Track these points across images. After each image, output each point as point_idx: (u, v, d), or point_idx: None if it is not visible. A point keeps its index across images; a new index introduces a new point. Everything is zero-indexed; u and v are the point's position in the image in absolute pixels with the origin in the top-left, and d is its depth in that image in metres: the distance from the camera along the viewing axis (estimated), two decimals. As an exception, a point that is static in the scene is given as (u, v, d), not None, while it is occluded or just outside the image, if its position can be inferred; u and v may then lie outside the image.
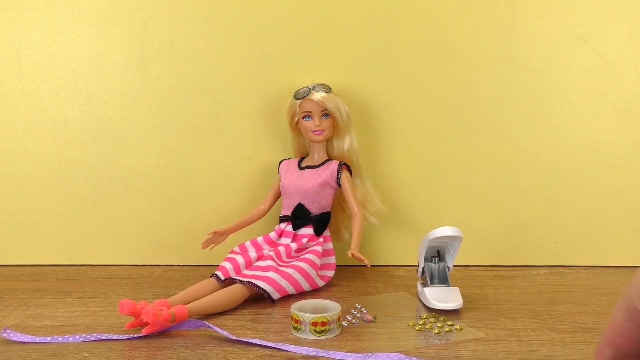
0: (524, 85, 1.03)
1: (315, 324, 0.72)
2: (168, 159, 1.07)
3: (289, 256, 0.94)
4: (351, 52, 1.04)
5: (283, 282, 0.87)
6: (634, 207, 1.04)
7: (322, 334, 0.72)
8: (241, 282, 0.86)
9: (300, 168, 1.00)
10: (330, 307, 0.76)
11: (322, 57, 1.04)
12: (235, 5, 1.04)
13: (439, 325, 0.77)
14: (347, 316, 0.80)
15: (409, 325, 0.77)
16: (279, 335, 0.74)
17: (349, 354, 0.68)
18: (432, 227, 0.84)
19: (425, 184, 1.06)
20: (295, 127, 1.01)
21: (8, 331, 0.74)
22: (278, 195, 1.03)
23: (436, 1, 1.02)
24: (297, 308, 0.75)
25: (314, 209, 0.97)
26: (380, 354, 0.67)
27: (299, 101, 0.98)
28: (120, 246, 1.09)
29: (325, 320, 0.72)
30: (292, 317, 0.74)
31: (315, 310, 0.75)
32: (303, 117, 0.98)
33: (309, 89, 0.98)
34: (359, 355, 0.67)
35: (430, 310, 0.83)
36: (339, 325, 0.75)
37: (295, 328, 0.74)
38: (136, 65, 1.05)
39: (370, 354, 0.67)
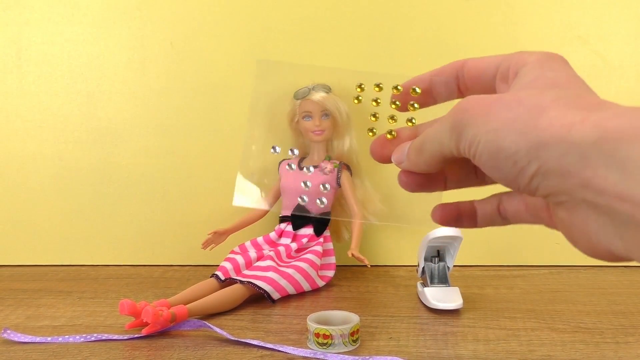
0: (524, 85, 1.03)
1: (317, 334, 0.70)
2: (168, 159, 1.07)
3: (289, 256, 0.94)
4: (351, 52, 1.04)
5: (283, 282, 0.87)
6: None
7: (324, 347, 0.70)
8: (241, 282, 0.86)
9: (300, 168, 1.00)
10: (349, 320, 0.72)
11: (322, 57, 1.04)
12: (236, 5, 1.04)
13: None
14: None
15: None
16: (279, 336, 0.74)
17: (347, 356, 0.68)
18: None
19: (425, 184, 1.05)
20: (295, 127, 1.01)
21: (8, 331, 0.74)
22: (278, 195, 1.03)
23: (436, 1, 1.02)
24: (315, 319, 0.72)
25: (314, 209, 0.97)
26: (378, 357, 0.67)
27: (298, 101, 0.98)
28: (120, 246, 1.09)
29: (327, 333, 0.69)
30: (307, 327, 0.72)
31: (343, 322, 0.72)
32: (303, 118, 0.98)
33: (309, 89, 0.98)
34: (358, 358, 0.67)
35: (430, 309, 0.83)
36: (352, 341, 0.70)
37: (308, 339, 0.72)
38: (136, 65, 1.05)
39: (368, 357, 0.67)
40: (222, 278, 0.89)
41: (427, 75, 0.37)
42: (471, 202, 0.38)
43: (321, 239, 0.97)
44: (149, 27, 1.05)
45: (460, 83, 0.37)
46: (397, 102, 0.38)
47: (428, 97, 0.38)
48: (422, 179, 0.37)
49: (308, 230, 0.97)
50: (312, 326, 0.70)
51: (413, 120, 0.38)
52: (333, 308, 0.82)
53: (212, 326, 0.74)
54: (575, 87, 0.31)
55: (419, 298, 0.88)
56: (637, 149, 0.25)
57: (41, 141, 1.07)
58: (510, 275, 1.00)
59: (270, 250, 0.94)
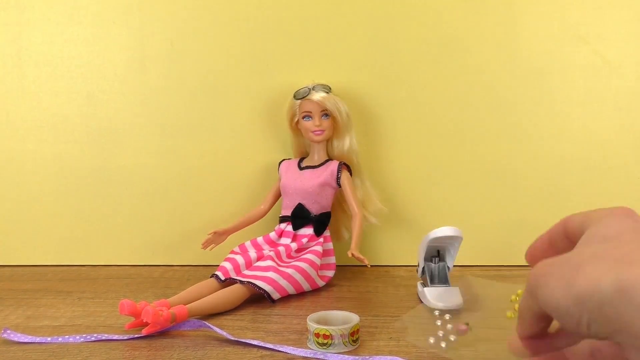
0: (524, 85, 1.03)
1: (317, 334, 0.70)
2: (168, 159, 1.07)
3: (289, 256, 0.94)
4: (351, 52, 1.04)
5: (283, 282, 0.87)
6: (633, 206, 1.03)
7: (324, 347, 0.70)
8: (241, 282, 0.86)
9: (300, 168, 1.00)
10: (349, 320, 0.72)
11: (322, 57, 1.04)
12: (235, 5, 1.04)
13: None
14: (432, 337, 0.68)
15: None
16: (279, 336, 0.74)
17: (347, 356, 0.68)
18: (432, 227, 0.84)
19: (425, 183, 1.06)
20: (295, 127, 1.01)
21: (8, 331, 0.74)
22: (278, 196, 1.03)
23: (436, 1, 1.02)
24: (315, 319, 0.72)
25: (314, 209, 0.97)
26: (378, 357, 0.67)
27: (298, 101, 0.98)
28: (120, 246, 1.09)
29: (327, 333, 0.69)
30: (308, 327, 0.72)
31: (343, 322, 0.72)
32: (303, 117, 0.98)
33: (309, 89, 0.98)
34: (358, 358, 0.67)
35: (433, 309, 0.83)
36: (352, 341, 0.70)
37: (308, 339, 0.72)
38: (136, 65, 1.05)
39: (368, 357, 0.67)
40: (222, 278, 0.89)
41: (547, 235, 0.44)
42: (562, 352, 0.42)
43: (321, 239, 0.97)
44: (149, 27, 1.05)
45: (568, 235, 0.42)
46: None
47: (551, 252, 0.44)
48: None
49: (308, 230, 0.97)
50: (312, 326, 0.70)
51: None
52: (333, 308, 0.82)
53: (212, 326, 0.74)
54: (619, 239, 0.35)
55: (419, 298, 0.88)
56: None
57: (41, 141, 1.07)
58: (510, 275, 1.00)
59: (270, 250, 0.94)
